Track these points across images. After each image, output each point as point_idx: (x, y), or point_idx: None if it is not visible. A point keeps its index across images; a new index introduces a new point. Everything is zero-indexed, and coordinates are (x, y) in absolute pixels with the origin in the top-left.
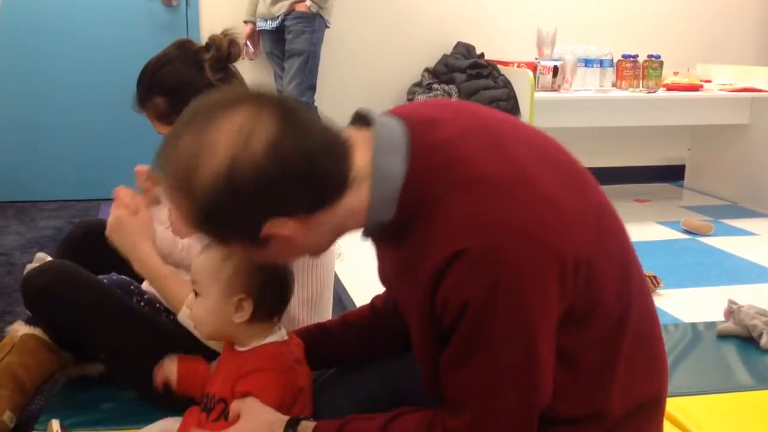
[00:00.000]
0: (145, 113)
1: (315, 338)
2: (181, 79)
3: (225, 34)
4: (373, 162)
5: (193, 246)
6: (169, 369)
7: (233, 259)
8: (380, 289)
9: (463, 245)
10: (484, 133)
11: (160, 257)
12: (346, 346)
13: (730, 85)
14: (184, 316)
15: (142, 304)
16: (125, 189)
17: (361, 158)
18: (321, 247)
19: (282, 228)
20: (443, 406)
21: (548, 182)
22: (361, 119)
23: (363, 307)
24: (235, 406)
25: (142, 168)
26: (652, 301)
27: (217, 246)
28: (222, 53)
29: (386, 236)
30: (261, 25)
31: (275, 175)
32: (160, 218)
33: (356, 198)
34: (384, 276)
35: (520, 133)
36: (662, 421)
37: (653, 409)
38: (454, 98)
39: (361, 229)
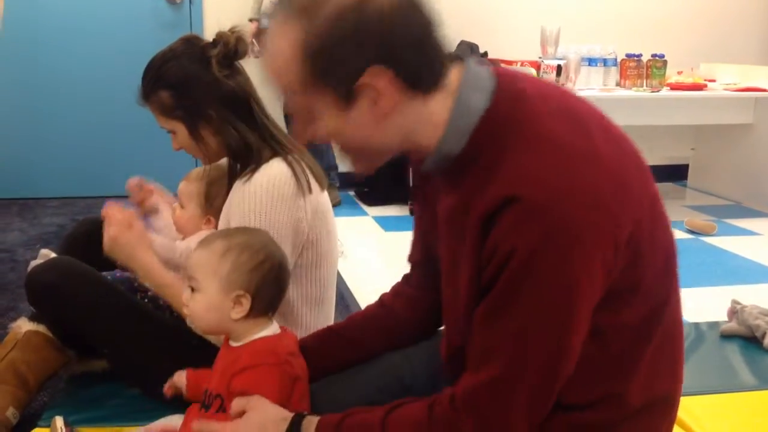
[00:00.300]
0: (149, 107)
1: (326, 341)
2: (186, 73)
3: (232, 31)
4: (458, 92)
5: (192, 248)
6: (179, 379)
7: (231, 255)
8: (383, 288)
9: (522, 192)
10: (563, 104)
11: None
12: (357, 345)
13: (734, 84)
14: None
15: (146, 300)
16: (114, 205)
17: (450, 81)
18: (385, 146)
19: (379, 79)
20: (467, 364)
21: (615, 160)
22: (455, 56)
23: (370, 306)
24: (238, 402)
25: (134, 180)
26: (681, 302)
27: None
28: (229, 49)
29: (446, 173)
30: (266, 23)
31: (396, 27)
32: (158, 227)
33: (437, 109)
34: (426, 230)
35: (597, 117)
36: (673, 423)
37: (667, 407)
38: None
39: (423, 163)
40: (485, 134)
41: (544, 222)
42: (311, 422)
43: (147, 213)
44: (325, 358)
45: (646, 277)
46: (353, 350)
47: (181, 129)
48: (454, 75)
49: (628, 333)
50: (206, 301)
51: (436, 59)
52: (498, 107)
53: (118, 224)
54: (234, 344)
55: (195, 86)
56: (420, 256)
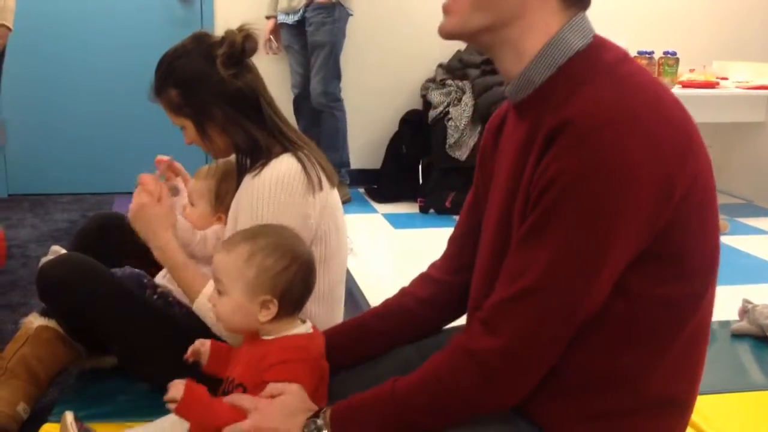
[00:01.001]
0: (160, 103)
1: (349, 335)
2: (194, 72)
3: (241, 29)
4: (561, 29)
5: (209, 239)
6: (203, 348)
7: (256, 260)
8: (393, 285)
9: (580, 114)
10: (660, 89)
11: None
12: (382, 335)
13: (747, 82)
14: (200, 305)
15: (155, 297)
16: (149, 175)
17: (561, 18)
18: (497, 5)
19: None
20: (496, 286)
21: (685, 122)
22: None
23: (390, 298)
24: (274, 386)
25: (163, 158)
26: (713, 307)
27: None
28: (235, 49)
29: (521, 103)
30: (282, 18)
31: None
32: (179, 208)
33: (547, 25)
34: (479, 192)
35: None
36: (686, 428)
37: (682, 411)
38: (468, 94)
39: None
40: (571, 70)
41: (595, 147)
42: (327, 410)
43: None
44: (349, 352)
45: (690, 251)
46: (378, 341)
47: (189, 126)
48: (560, 13)
49: (662, 311)
50: (233, 305)
51: None
52: (590, 52)
53: (149, 194)
54: (265, 337)
55: (201, 85)
56: (464, 228)
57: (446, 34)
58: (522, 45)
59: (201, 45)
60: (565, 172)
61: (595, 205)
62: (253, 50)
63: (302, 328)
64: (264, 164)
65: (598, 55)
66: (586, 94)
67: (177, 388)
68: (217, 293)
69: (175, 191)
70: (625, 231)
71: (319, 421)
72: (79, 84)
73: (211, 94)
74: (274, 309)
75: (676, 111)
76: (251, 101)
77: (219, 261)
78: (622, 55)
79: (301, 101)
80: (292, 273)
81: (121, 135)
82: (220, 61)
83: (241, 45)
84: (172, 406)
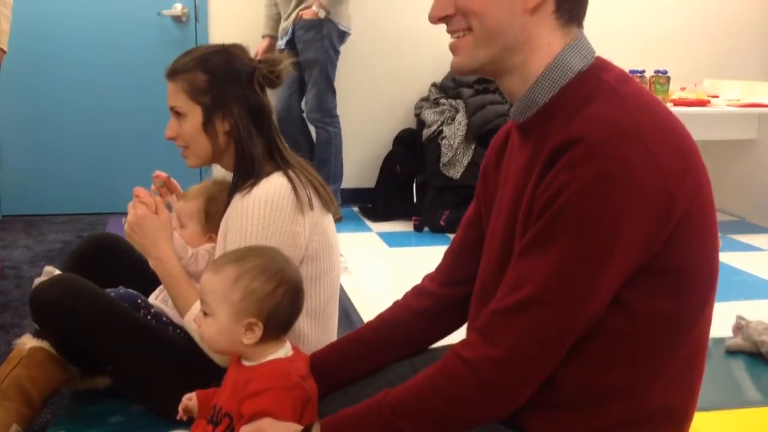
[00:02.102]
0: (174, 82)
1: (346, 352)
2: (231, 69)
3: (280, 61)
4: (562, 50)
5: (201, 256)
6: (191, 403)
7: (243, 283)
8: (388, 304)
9: (586, 132)
10: (660, 108)
11: None
12: (378, 349)
13: (738, 100)
14: (189, 321)
15: (149, 317)
16: (144, 189)
17: (561, 35)
18: (503, 27)
19: None
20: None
21: (687, 139)
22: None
23: (384, 312)
24: (249, 428)
25: (161, 174)
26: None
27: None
28: (274, 73)
29: (525, 124)
30: (279, 43)
31: None
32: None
33: (549, 44)
34: (491, 184)
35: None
36: None
37: (678, 424)
38: (461, 113)
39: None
40: (573, 90)
41: (602, 163)
42: (317, 427)
43: None
44: (346, 367)
45: (689, 267)
46: (373, 354)
47: (195, 115)
48: (561, 35)
49: (660, 326)
50: (217, 326)
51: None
52: (591, 72)
53: (147, 206)
54: (246, 363)
55: (233, 83)
56: (462, 242)
57: (457, 72)
58: (527, 68)
59: (244, 54)
60: (568, 186)
61: (597, 220)
62: (281, 84)
63: (282, 352)
64: (254, 183)
65: (600, 76)
66: (589, 113)
67: None
68: (203, 314)
69: (169, 209)
70: (626, 246)
71: None
72: (74, 105)
73: (238, 94)
74: (259, 332)
75: (677, 130)
76: (265, 119)
77: (206, 282)
78: (622, 76)
79: (282, 125)
80: (279, 296)
81: (116, 156)
82: (260, 75)
83: (279, 74)
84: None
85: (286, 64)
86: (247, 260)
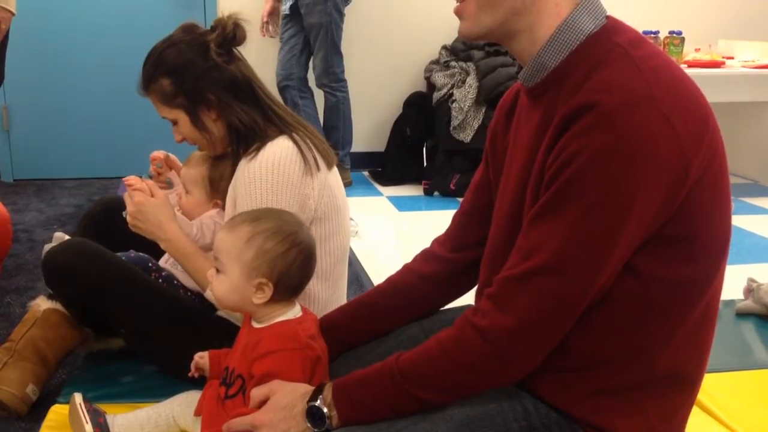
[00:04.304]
0: (150, 97)
1: (356, 315)
2: (185, 59)
3: (230, 17)
4: (572, 11)
5: (206, 227)
6: (202, 361)
7: (256, 243)
8: (398, 268)
9: (601, 98)
10: (675, 71)
11: None
12: (388, 313)
13: (753, 61)
14: (210, 293)
15: (160, 280)
16: (134, 177)
17: None
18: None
19: None
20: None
21: (702, 103)
22: None
23: (393, 275)
24: (258, 392)
25: (158, 154)
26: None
27: (241, 225)
28: (227, 34)
29: (535, 89)
30: (283, 8)
31: None
32: (172, 201)
33: (557, 5)
34: (499, 148)
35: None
36: (691, 408)
37: (689, 389)
38: (472, 76)
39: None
40: (584, 53)
41: (614, 127)
42: (329, 388)
43: (162, 186)
44: (355, 330)
45: (702, 233)
46: (383, 318)
47: (182, 117)
48: None
49: (672, 292)
50: (229, 284)
51: None
52: (603, 34)
53: (141, 191)
54: (256, 325)
55: (194, 71)
56: (470, 206)
57: (465, 38)
58: (535, 31)
59: (191, 34)
60: (582, 152)
61: (611, 185)
62: (243, 38)
63: (291, 313)
64: (259, 147)
65: (612, 38)
66: (602, 78)
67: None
68: (215, 271)
69: (167, 186)
70: (640, 212)
71: (319, 403)
72: (84, 68)
73: (204, 79)
74: (269, 292)
75: (693, 93)
76: (245, 86)
77: (220, 239)
78: (636, 37)
79: (283, 89)
80: (290, 258)
81: (126, 119)
82: (214, 45)
83: (232, 31)
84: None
85: (231, 21)
86: (262, 221)
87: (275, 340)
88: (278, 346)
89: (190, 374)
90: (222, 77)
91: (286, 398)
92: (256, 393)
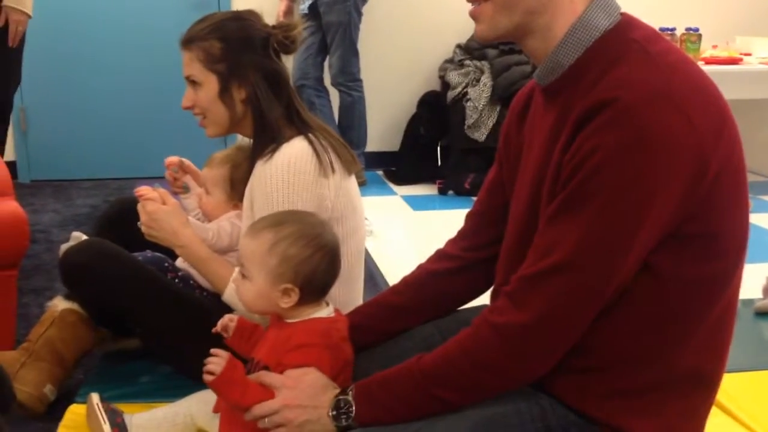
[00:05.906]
0: (189, 51)
1: (372, 315)
2: (246, 35)
3: (295, 26)
4: (586, 8)
5: (223, 230)
6: (230, 322)
7: (280, 249)
8: (413, 268)
9: (618, 94)
10: (692, 67)
11: None
12: (404, 313)
13: None
14: (229, 296)
15: (177, 280)
16: (145, 187)
17: None
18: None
19: None
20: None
21: (720, 100)
22: None
23: (409, 275)
24: (293, 372)
25: (173, 159)
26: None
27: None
28: (288, 38)
29: (551, 87)
30: (302, 7)
31: None
32: (189, 206)
33: (572, 2)
34: (513, 147)
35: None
36: (711, 408)
37: (709, 388)
38: (486, 74)
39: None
40: (600, 50)
41: (631, 123)
42: (352, 388)
43: (176, 192)
44: (370, 331)
45: (721, 231)
46: (398, 318)
47: (212, 83)
48: None
49: (691, 291)
50: (255, 290)
51: None
52: (618, 30)
53: (153, 200)
54: (289, 321)
55: (249, 48)
56: (484, 206)
57: (482, 40)
58: (551, 29)
59: (258, 19)
60: (598, 151)
61: (629, 181)
62: (294, 50)
63: (324, 312)
64: (275, 149)
65: (627, 34)
66: (618, 75)
67: (217, 363)
68: (241, 276)
69: (184, 190)
70: (658, 210)
71: (348, 398)
72: (100, 69)
73: (254, 60)
74: (295, 297)
75: (710, 90)
76: (282, 84)
77: (244, 246)
78: (651, 33)
79: (298, 90)
80: (315, 262)
81: (143, 120)
82: (274, 39)
83: (292, 37)
84: (208, 378)
85: (300, 29)
86: (285, 226)
87: (309, 334)
88: (312, 341)
89: (214, 330)
90: (268, 66)
91: (321, 381)
92: (290, 372)
